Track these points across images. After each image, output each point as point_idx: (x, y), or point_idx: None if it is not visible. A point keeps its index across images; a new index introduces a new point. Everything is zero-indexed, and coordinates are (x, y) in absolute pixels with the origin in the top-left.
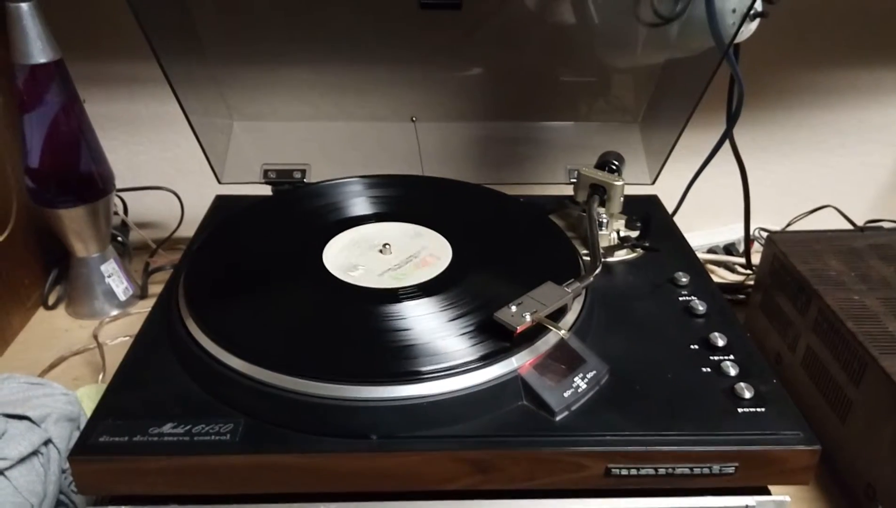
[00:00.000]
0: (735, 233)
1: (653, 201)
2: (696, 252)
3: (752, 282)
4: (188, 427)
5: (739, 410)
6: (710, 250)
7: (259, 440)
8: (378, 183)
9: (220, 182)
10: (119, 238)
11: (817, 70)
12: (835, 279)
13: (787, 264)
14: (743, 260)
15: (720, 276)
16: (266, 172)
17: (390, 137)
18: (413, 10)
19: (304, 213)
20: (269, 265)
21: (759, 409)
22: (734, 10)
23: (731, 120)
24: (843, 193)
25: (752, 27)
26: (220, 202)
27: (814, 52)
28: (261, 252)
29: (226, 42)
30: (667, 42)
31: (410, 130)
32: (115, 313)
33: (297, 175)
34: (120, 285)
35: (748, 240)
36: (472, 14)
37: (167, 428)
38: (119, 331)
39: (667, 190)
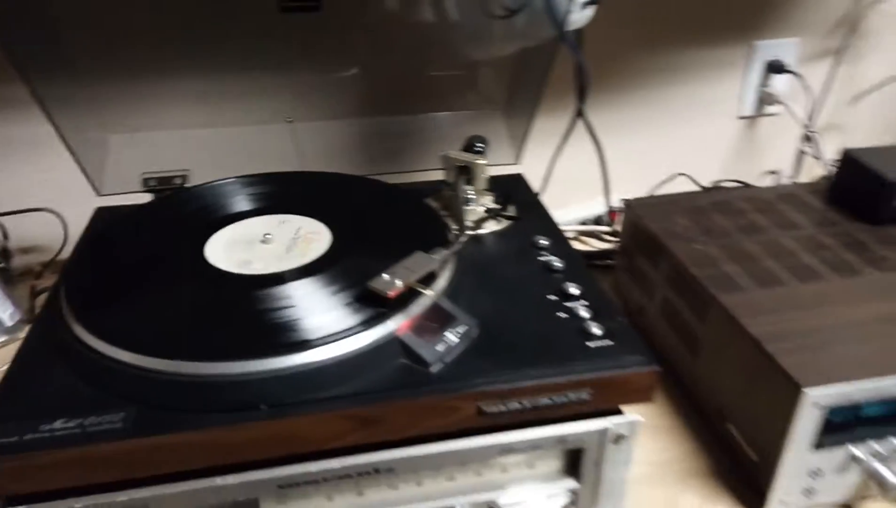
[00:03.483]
0: (603, 206)
1: (518, 179)
2: (569, 225)
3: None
4: (79, 421)
5: (591, 345)
6: (582, 223)
7: (151, 424)
8: (256, 181)
9: (99, 194)
10: (1, 264)
11: (659, 51)
12: (682, 234)
13: (643, 225)
14: (608, 228)
15: (591, 246)
16: (146, 180)
17: (269, 139)
18: (279, 16)
19: (184, 214)
20: (151, 264)
21: (608, 342)
22: None
23: (581, 101)
24: (693, 161)
25: (587, 13)
26: (102, 214)
27: (654, 35)
28: (142, 254)
29: (96, 58)
30: (516, 32)
31: (289, 131)
32: (2, 339)
33: (178, 181)
34: (6, 312)
35: (609, 210)
36: (336, 16)
37: (58, 424)
38: (9, 357)
39: (537, 172)
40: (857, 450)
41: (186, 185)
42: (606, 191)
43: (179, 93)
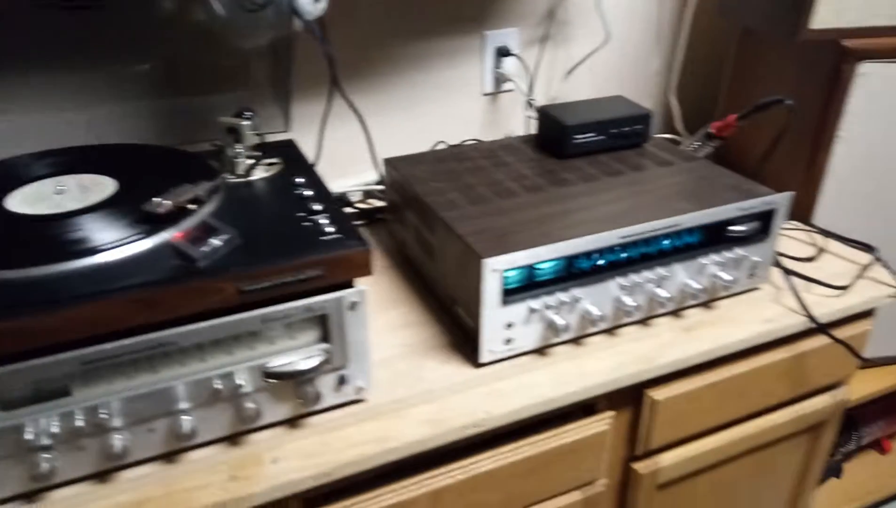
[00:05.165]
0: (375, 173)
1: (289, 142)
2: (350, 189)
3: None
4: None
5: (325, 238)
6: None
7: None
8: (46, 154)
9: None
10: None
11: (413, 42)
12: (424, 178)
13: (398, 176)
14: (381, 187)
15: (371, 204)
16: None
17: (67, 125)
18: (67, 13)
19: None
20: None
21: (338, 236)
22: None
23: (333, 79)
24: (452, 132)
25: (321, 5)
26: None
27: (407, 28)
28: None
29: None
30: (269, 24)
31: (84, 116)
32: None
33: None
34: None
35: (379, 173)
36: (119, 13)
37: None
38: None
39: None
40: (533, 303)
41: None
42: (374, 158)
43: None
